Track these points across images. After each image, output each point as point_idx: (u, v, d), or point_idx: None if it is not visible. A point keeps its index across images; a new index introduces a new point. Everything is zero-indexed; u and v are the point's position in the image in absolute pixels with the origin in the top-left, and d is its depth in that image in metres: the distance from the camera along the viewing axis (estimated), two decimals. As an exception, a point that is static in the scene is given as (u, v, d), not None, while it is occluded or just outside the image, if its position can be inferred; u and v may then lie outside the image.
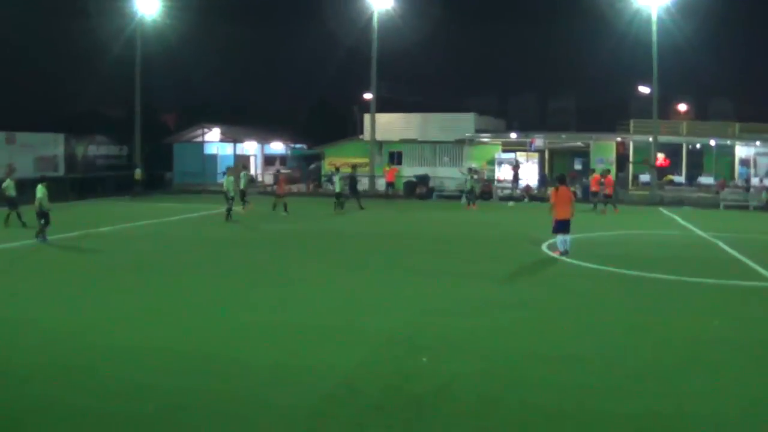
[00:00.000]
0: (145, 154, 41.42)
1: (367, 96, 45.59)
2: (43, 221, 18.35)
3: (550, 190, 17.34)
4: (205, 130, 47.24)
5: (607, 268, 14.82)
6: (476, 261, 16.05)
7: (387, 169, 38.85)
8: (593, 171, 38.87)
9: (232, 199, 24.61)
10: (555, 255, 16.37)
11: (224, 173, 26.25)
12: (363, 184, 40.94)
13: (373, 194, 38.75)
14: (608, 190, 29.30)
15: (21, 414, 6.63)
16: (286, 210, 26.36)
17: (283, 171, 34.55)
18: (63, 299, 11.53)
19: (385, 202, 34.65)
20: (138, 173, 36.24)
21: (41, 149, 35.46)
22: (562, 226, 16.45)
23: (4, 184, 22.11)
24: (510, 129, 47.39)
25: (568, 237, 16.51)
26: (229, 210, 24.15)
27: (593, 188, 30.05)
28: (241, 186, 27.28)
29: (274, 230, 22.00)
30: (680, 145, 42.32)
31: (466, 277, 13.69)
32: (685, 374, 7.87)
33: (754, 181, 36.91)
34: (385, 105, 44.04)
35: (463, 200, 33.03)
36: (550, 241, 17.65)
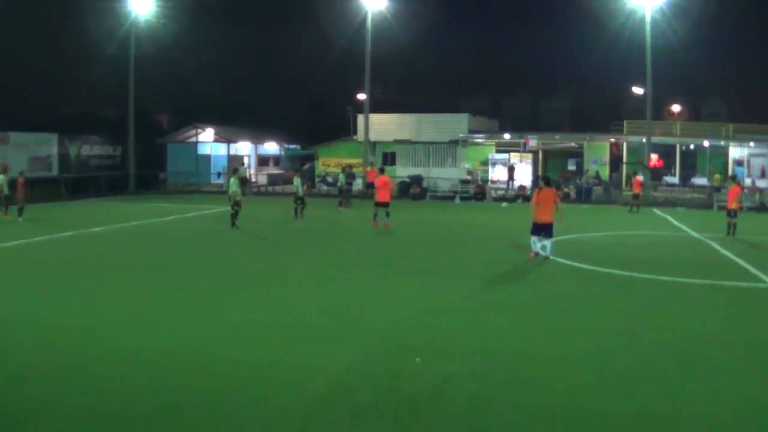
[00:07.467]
0: (139, 154, 41.34)
1: (361, 96, 45.58)
2: (236, 210, 21.72)
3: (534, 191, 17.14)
4: (199, 130, 47.17)
5: (600, 268, 14.84)
6: (469, 262, 16.05)
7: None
8: (586, 171, 39.13)
9: (301, 199, 25.19)
10: (530, 256, 16.10)
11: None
12: (357, 184, 41.05)
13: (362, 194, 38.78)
14: (636, 190, 30.77)
15: (14, 414, 6.59)
16: (20, 215, 23.56)
17: (23, 175, 25.60)
18: (56, 299, 11.49)
19: (370, 202, 34.66)
20: None
21: (35, 149, 35.33)
22: (537, 229, 16.06)
23: None
24: (503, 129, 47.51)
25: (548, 242, 16.09)
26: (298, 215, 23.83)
27: (636, 191, 30.95)
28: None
29: (267, 231, 21.95)
30: (674, 146, 42.44)
31: (459, 278, 13.70)
32: (678, 375, 7.88)
33: (747, 181, 36.99)
34: (378, 105, 44.06)
35: (459, 199, 33.14)
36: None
